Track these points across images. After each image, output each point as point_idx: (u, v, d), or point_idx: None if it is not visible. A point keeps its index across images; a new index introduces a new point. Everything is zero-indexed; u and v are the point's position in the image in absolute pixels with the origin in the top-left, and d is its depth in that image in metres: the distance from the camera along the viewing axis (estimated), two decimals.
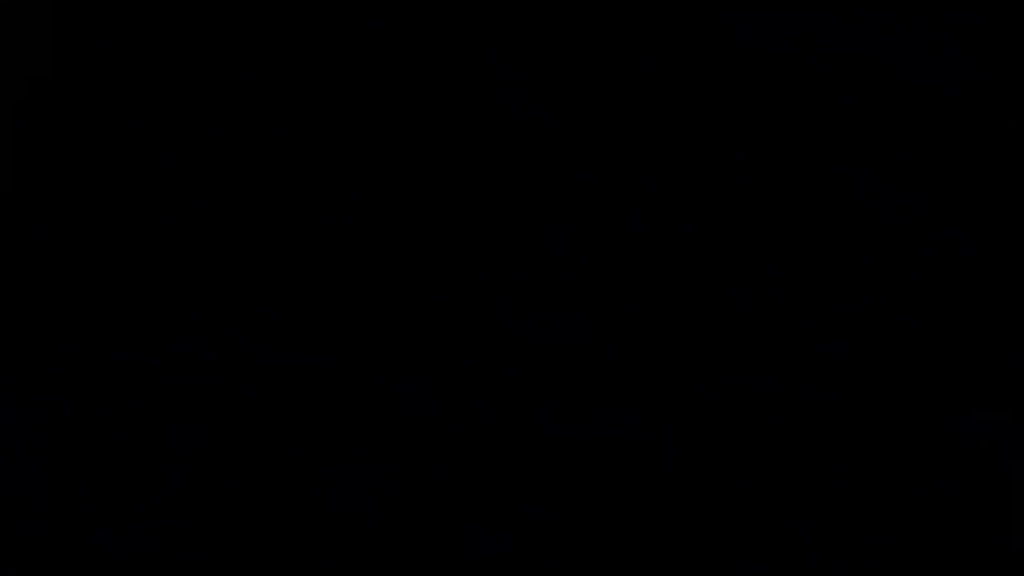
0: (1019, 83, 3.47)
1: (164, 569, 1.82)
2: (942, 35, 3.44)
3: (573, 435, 3.54)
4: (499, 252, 2.99)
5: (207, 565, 1.85)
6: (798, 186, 3.69)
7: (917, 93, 3.51)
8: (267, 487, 2.09)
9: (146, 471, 1.98)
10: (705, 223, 3.76)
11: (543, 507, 2.65)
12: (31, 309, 3.38)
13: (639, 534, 2.52)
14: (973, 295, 3.63)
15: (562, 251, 2.95)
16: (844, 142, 3.58)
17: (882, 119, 3.55)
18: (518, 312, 2.72)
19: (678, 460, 3.79)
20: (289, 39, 3.50)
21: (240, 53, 3.48)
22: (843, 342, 3.74)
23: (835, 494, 3.80)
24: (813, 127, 3.58)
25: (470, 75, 3.57)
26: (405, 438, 2.10)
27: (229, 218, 2.84)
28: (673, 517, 2.06)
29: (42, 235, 3.40)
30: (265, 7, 3.47)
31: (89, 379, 2.36)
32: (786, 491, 3.81)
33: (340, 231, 2.71)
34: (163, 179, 3.42)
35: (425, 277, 2.84)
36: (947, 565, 3.58)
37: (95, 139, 3.44)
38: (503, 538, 2.61)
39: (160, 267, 2.59)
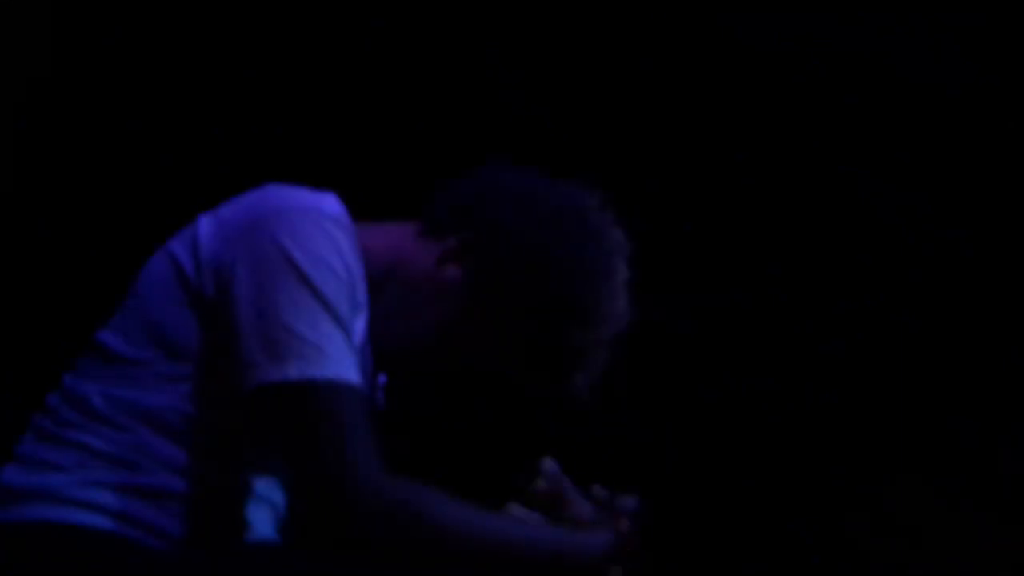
0: (1019, 83, 3.47)
1: (167, 567, 1.83)
2: (942, 35, 3.44)
3: (573, 435, 3.53)
4: None
5: (213, 564, 1.86)
6: (798, 186, 3.69)
7: (917, 93, 3.51)
8: None
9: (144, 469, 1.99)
10: (705, 223, 3.77)
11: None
12: (31, 309, 3.38)
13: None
14: (973, 295, 3.63)
15: None
16: (844, 142, 3.58)
17: (882, 119, 3.55)
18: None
19: (678, 460, 3.79)
20: (289, 39, 3.50)
21: (240, 53, 3.48)
22: (843, 342, 3.74)
23: (835, 494, 3.80)
24: (813, 127, 3.59)
25: (470, 75, 3.57)
26: (406, 437, 2.10)
27: None
28: (673, 517, 2.06)
29: (42, 235, 3.40)
30: (265, 7, 3.47)
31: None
32: (786, 491, 3.81)
33: None
34: (163, 179, 3.42)
35: None
36: (946, 563, 3.59)
37: (95, 139, 3.44)
38: None
39: None
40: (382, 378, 2.12)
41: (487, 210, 1.99)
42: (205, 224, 1.91)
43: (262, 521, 1.91)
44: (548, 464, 1.99)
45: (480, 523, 1.81)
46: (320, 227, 1.85)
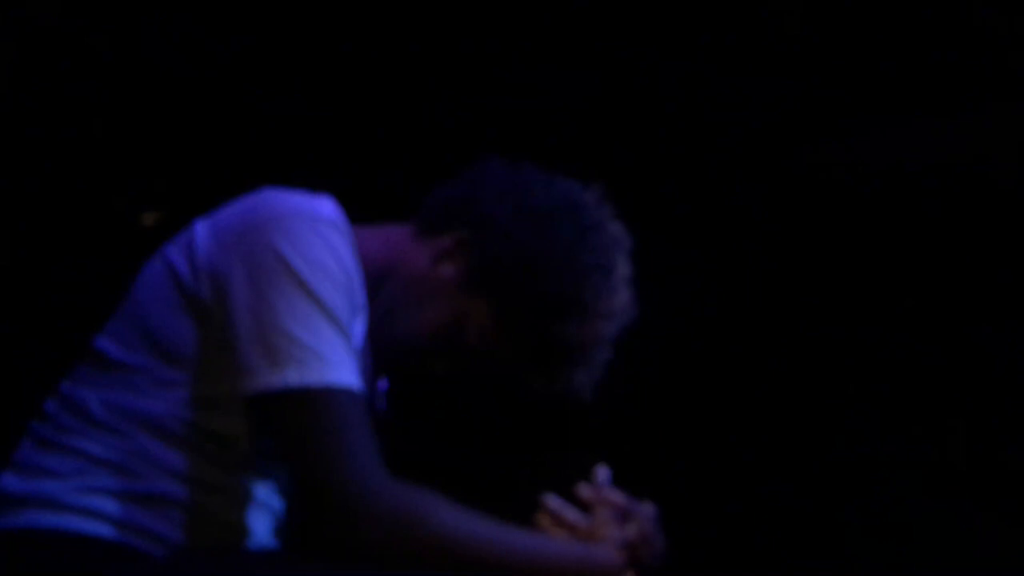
0: None
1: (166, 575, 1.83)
2: None
3: (573, 435, 3.53)
4: None
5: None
6: (798, 184, 3.70)
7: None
8: None
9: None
10: (705, 221, 3.78)
11: None
12: (29, 314, 3.37)
13: None
14: (973, 295, 3.64)
15: None
16: None
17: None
18: None
19: (678, 460, 3.79)
20: (289, 39, 3.50)
21: (240, 53, 3.48)
22: (843, 341, 3.74)
23: (835, 494, 3.80)
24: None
25: (470, 75, 3.57)
26: (408, 441, 2.10)
27: None
28: (674, 516, 2.06)
29: (40, 241, 3.39)
30: (265, 7, 3.47)
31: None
32: (786, 491, 3.80)
33: None
34: (161, 182, 3.42)
35: None
36: (946, 563, 3.58)
37: (93, 141, 3.43)
38: None
39: None
40: (385, 384, 2.11)
41: (481, 207, 1.98)
42: (201, 229, 1.90)
43: (262, 527, 1.90)
44: (602, 472, 1.98)
45: (484, 530, 1.80)
46: (316, 232, 1.84)
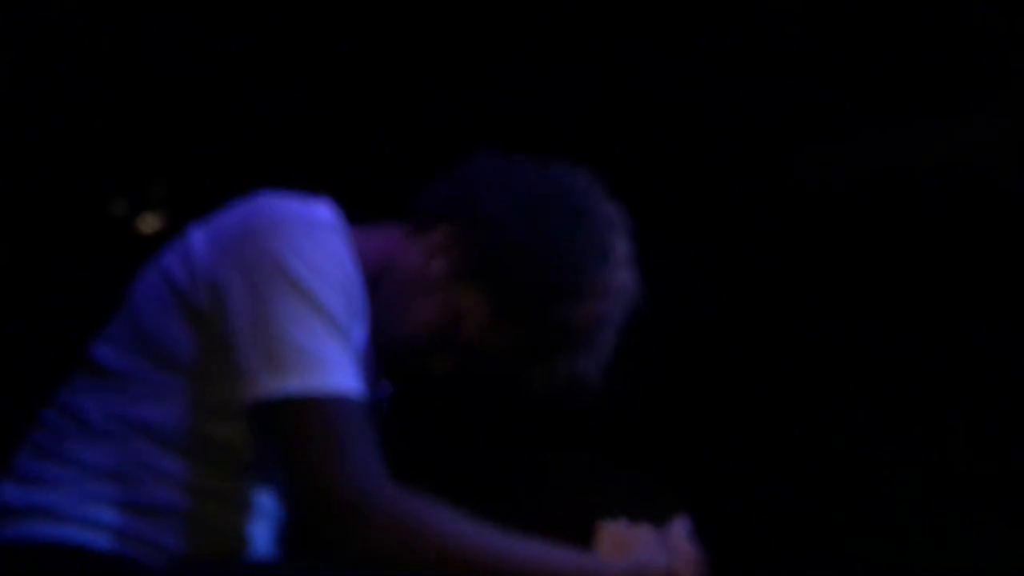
0: None
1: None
2: None
3: (572, 437, 3.53)
4: None
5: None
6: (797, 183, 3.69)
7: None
8: None
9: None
10: (708, 216, 3.77)
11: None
12: (26, 323, 3.36)
13: None
14: (970, 295, 3.63)
15: None
16: None
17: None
18: None
19: (676, 460, 3.79)
20: (289, 39, 3.49)
21: (240, 53, 3.47)
22: (843, 341, 3.74)
23: (835, 493, 3.80)
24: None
25: (470, 74, 3.57)
26: (411, 446, 2.09)
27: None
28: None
29: (36, 251, 3.39)
30: (265, 7, 3.47)
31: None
32: (785, 491, 3.80)
33: None
34: (156, 188, 3.42)
35: None
36: (946, 563, 3.58)
37: (88, 148, 3.43)
38: None
39: None
40: (387, 388, 2.09)
41: (470, 198, 1.94)
42: (197, 236, 1.87)
43: (263, 535, 1.89)
44: (681, 522, 1.88)
45: (485, 538, 1.78)
46: (314, 236, 1.82)
